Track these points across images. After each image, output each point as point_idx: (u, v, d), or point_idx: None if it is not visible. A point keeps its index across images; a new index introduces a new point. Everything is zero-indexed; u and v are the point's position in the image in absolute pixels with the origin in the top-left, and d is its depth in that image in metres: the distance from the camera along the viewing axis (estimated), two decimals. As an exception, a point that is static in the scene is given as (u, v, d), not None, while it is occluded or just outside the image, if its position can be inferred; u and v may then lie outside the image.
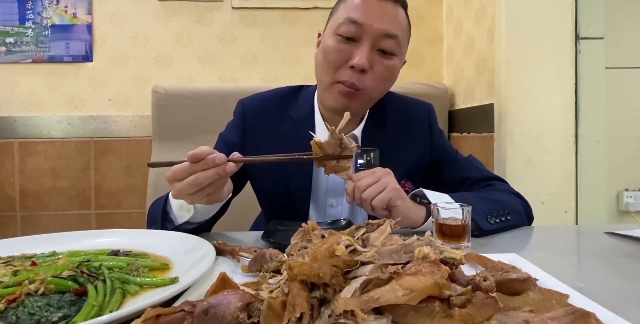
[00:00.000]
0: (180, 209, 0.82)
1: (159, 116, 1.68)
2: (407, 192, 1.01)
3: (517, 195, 0.98)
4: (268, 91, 1.08)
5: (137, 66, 2.01)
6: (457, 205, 0.74)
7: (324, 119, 1.00)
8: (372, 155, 0.82)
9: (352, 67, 0.88)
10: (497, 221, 0.86)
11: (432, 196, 0.84)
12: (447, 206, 0.74)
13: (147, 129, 1.88)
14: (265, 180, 1.03)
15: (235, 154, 0.72)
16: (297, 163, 0.96)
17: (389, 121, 1.02)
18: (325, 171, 0.70)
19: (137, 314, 0.41)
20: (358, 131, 1.00)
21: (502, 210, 0.87)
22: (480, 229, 0.83)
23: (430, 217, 0.80)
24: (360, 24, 0.87)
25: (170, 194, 0.86)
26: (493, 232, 0.85)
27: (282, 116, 1.01)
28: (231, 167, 0.69)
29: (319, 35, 0.98)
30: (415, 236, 0.49)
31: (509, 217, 0.88)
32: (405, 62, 0.99)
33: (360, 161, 0.88)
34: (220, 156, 0.67)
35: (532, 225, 0.95)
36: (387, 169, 0.84)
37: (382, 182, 0.81)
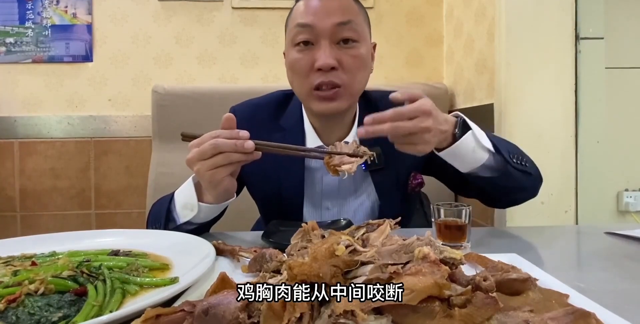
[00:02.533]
0: (184, 208, 0.83)
1: (159, 116, 1.68)
2: (419, 184, 1.00)
3: None
4: (260, 97, 1.08)
5: (137, 66, 2.01)
6: (457, 205, 0.74)
7: (314, 127, 0.99)
8: (374, 155, 0.82)
9: (319, 69, 0.87)
10: (517, 162, 0.86)
11: (473, 125, 0.82)
12: (447, 206, 0.74)
13: (147, 129, 1.88)
14: (258, 187, 1.03)
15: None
16: (288, 168, 0.97)
17: None
18: (330, 161, 0.75)
19: (137, 314, 0.41)
20: (353, 136, 0.99)
21: (521, 156, 0.88)
22: (504, 161, 0.82)
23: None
24: (310, 25, 0.88)
25: (175, 192, 0.86)
26: (514, 170, 0.84)
27: (272, 125, 1.01)
28: (249, 144, 0.72)
29: (284, 55, 0.98)
30: (415, 236, 0.49)
31: (527, 165, 0.88)
32: (375, 45, 0.98)
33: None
34: (244, 132, 0.73)
35: (532, 225, 0.95)
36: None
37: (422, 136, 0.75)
